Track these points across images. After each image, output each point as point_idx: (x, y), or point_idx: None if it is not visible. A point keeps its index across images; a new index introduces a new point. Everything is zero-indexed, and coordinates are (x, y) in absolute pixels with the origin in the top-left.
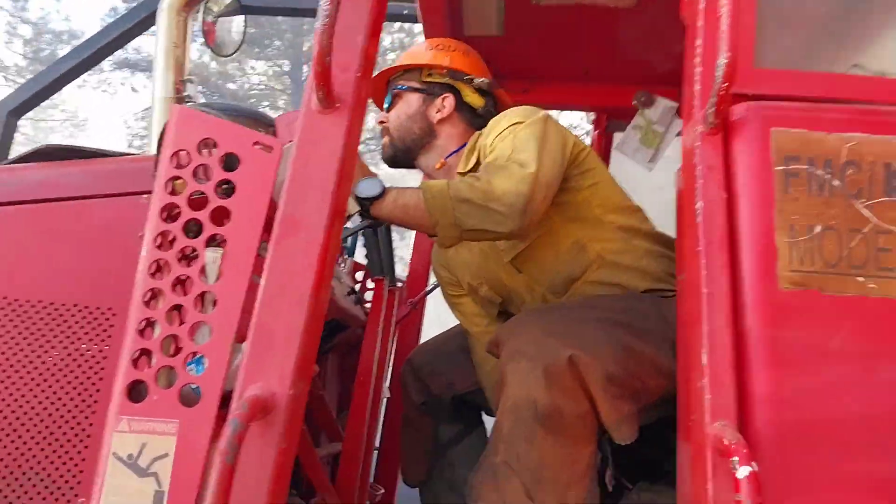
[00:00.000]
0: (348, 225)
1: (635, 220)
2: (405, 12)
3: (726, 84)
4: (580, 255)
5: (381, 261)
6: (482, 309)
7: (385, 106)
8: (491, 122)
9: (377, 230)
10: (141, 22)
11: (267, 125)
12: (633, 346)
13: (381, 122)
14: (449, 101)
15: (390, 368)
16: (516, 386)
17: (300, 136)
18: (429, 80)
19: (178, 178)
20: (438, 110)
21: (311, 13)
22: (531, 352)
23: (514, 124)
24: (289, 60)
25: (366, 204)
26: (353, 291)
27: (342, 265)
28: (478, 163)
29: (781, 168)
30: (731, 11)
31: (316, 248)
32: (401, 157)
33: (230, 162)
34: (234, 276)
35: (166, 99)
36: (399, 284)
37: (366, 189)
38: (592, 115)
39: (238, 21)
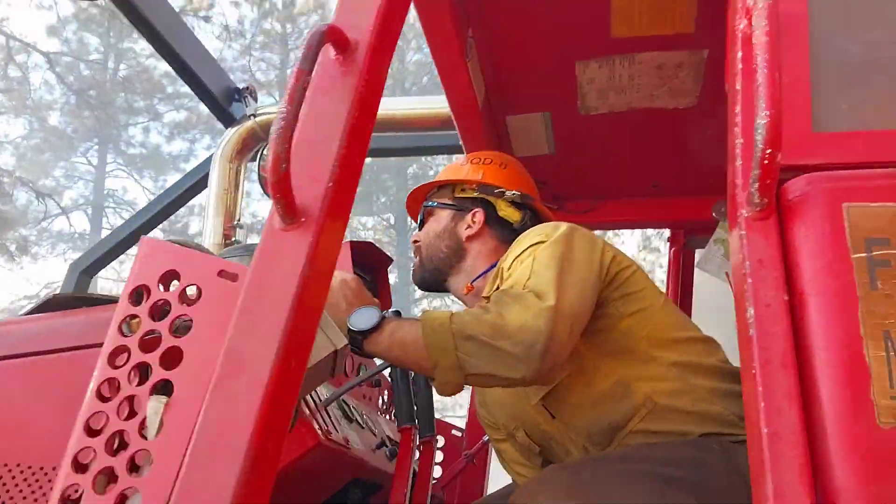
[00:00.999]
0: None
1: (696, 354)
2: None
3: (770, 151)
4: (625, 399)
5: (410, 405)
6: (522, 456)
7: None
8: (514, 242)
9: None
10: (197, 183)
11: None
12: None
13: (415, 242)
14: (479, 216)
15: None
16: None
17: (257, 255)
18: (461, 195)
19: (134, 316)
20: (468, 226)
21: (413, 152)
22: None
23: (534, 244)
24: (393, 214)
25: (358, 338)
26: (384, 444)
27: (381, 413)
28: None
29: (863, 255)
30: (770, 61)
31: (258, 392)
32: (430, 278)
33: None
34: (178, 428)
35: (215, 245)
36: (456, 433)
37: (359, 320)
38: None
39: None
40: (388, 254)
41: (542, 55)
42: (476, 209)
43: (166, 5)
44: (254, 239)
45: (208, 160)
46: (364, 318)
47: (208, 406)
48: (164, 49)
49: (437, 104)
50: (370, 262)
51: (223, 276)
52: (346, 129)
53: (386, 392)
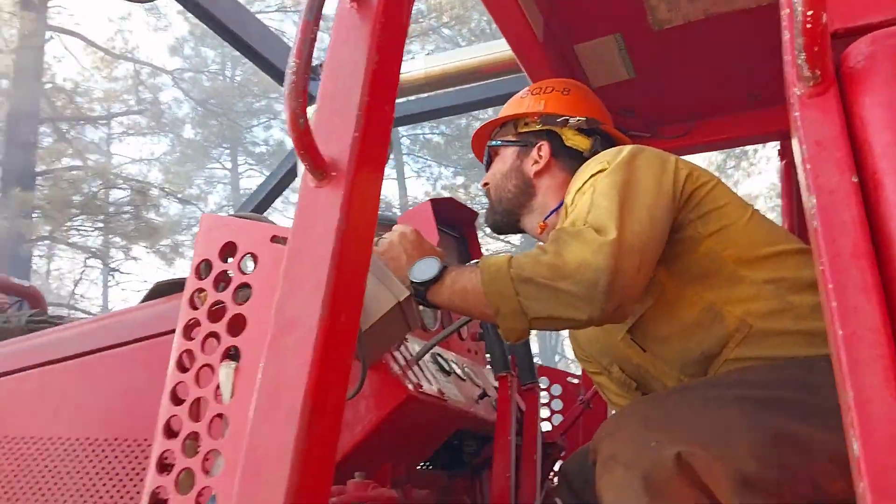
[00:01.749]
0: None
1: (791, 268)
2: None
3: (811, 12)
4: (715, 325)
5: (502, 353)
6: (621, 389)
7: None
8: (576, 174)
9: None
10: (287, 175)
11: (387, 226)
12: (791, 434)
13: (484, 185)
14: (544, 149)
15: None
16: None
17: (295, 216)
18: (524, 129)
19: (201, 289)
20: (535, 161)
21: (491, 102)
22: (627, 455)
23: (594, 174)
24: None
25: (420, 289)
26: (486, 395)
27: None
28: None
29: None
30: None
31: (308, 348)
32: (502, 220)
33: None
34: (247, 392)
35: None
36: (573, 380)
37: (421, 271)
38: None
39: None
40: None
41: None
42: (541, 142)
43: (235, 5)
44: None
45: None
46: (424, 268)
47: (265, 365)
48: (229, 36)
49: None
50: (455, 218)
51: (275, 241)
52: (367, 77)
53: None
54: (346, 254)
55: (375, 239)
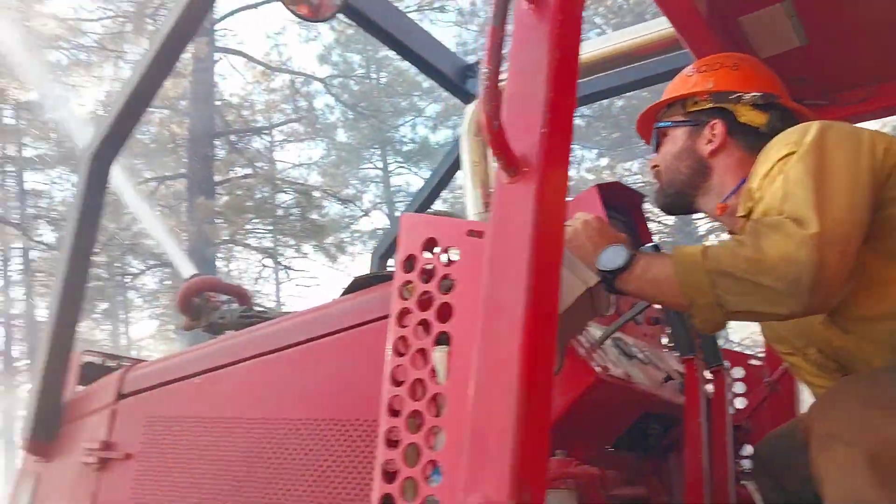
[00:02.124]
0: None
1: None
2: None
3: None
4: None
5: (688, 336)
6: (818, 370)
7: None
8: (760, 154)
9: None
10: (449, 170)
11: None
12: None
13: (653, 167)
14: (718, 127)
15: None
16: (834, 484)
17: (492, 211)
18: (694, 108)
19: (409, 282)
20: (708, 140)
21: (650, 81)
22: (849, 433)
23: (782, 158)
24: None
25: (609, 277)
26: (670, 378)
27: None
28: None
29: None
30: None
31: (517, 333)
32: (674, 202)
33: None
34: (460, 373)
35: (479, 214)
36: (755, 362)
37: (609, 259)
38: None
39: None
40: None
41: None
42: (713, 120)
43: (391, 7)
44: None
45: (457, 142)
46: (612, 256)
47: (480, 349)
48: (394, 44)
49: (663, 25)
50: (622, 201)
51: (472, 235)
52: (549, 76)
53: (668, 328)
54: (542, 243)
55: None
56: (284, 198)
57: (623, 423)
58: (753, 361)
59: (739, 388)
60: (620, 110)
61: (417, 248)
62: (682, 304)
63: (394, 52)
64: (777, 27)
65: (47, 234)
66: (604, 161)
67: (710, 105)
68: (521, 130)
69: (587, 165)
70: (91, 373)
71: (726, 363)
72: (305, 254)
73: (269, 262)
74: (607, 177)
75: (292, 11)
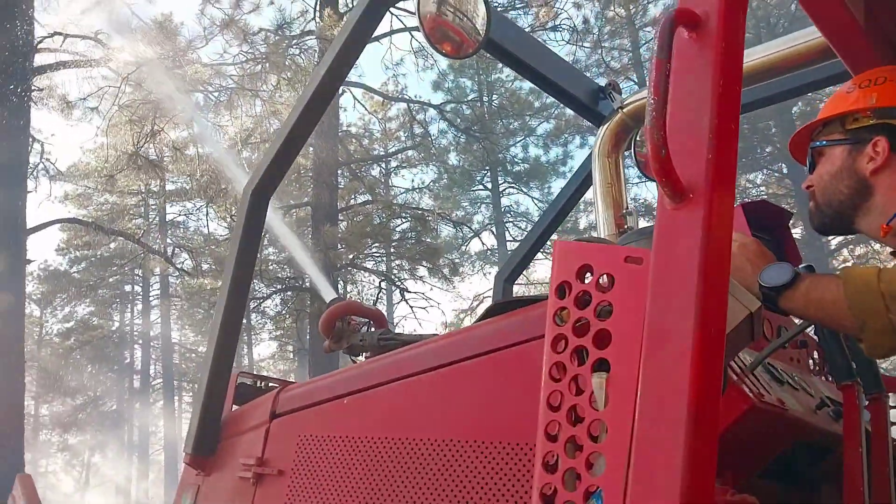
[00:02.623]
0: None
1: None
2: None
3: None
4: None
5: (846, 361)
6: None
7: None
8: None
9: None
10: (582, 184)
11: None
12: None
13: (808, 187)
14: (881, 144)
15: None
16: None
17: (656, 238)
18: (854, 126)
19: (563, 308)
20: (870, 159)
21: (792, 94)
22: None
23: None
24: (784, 163)
25: (772, 295)
26: (824, 404)
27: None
28: None
29: None
30: None
31: (686, 361)
32: (832, 223)
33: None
34: (621, 400)
35: (611, 235)
36: None
37: (772, 277)
38: None
39: None
40: (787, 207)
41: None
42: (876, 138)
43: (527, 38)
44: (642, 222)
45: (588, 159)
46: (776, 274)
47: (644, 378)
48: (531, 74)
49: (810, 36)
50: (768, 220)
51: (629, 262)
52: (713, 102)
53: (815, 352)
54: (709, 269)
55: None
56: (400, 222)
57: (774, 451)
58: None
59: None
60: (742, 119)
61: (571, 274)
62: (850, 327)
63: (506, 75)
64: None
65: (186, 262)
66: None
67: (873, 121)
68: (687, 157)
69: None
70: (245, 393)
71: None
72: (420, 277)
73: (385, 284)
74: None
75: (437, 50)
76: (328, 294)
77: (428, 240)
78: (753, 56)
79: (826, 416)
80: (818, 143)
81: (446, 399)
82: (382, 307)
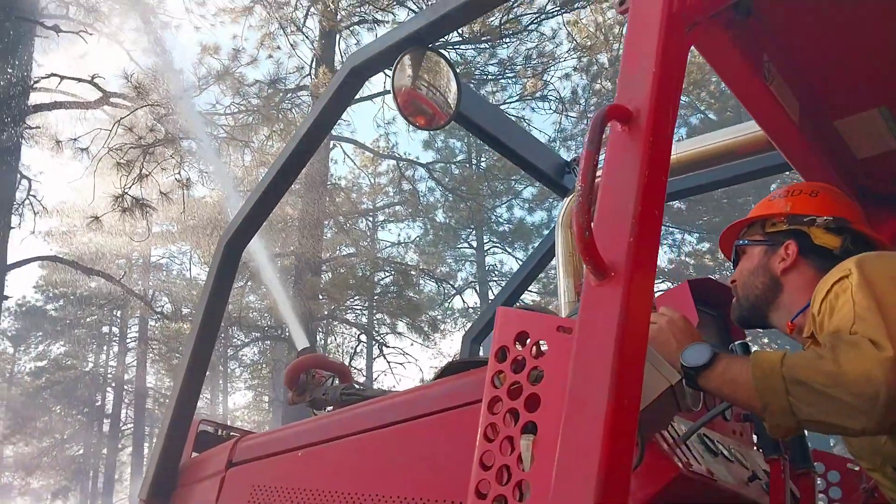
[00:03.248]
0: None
1: None
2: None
3: None
4: None
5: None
6: None
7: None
8: (819, 283)
9: None
10: (547, 252)
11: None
12: None
13: (732, 282)
14: (791, 247)
15: None
16: None
17: (580, 311)
18: (772, 230)
19: (501, 371)
20: (782, 259)
21: (743, 178)
22: None
23: (837, 281)
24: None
25: (691, 374)
26: (756, 477)
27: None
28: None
29: None
30: None
31: (598, 427)
32: (748, 315)
33: (539, 350)
34: (545, 461)
35: (570, 302)
36: (853, 466)
37: (693, 356)
38: None
39: None
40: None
41: (856, 51)
42: (788, 241)
43: (497, 113)
44: None
45: (553, 230)
46: (695, 354)
47: (562, 440)
48: (498, 146)
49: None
50: (713, 297)
51: (561, 331)
52: (639, 191)
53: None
54: (626, 343)
55: None
56: (384, 275)
57: None
58: (851, 465)
59: (835, 493)
60: (722, 194)
61: (510, 340)
62: (756, 407)
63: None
64: (873, 131)
65: (167, 306)
66: (705, 245)
67: (787, 227)
68: (610, 240)
69: (687, 249)
70: (206, 440)
71: (821, 466)
72: (400, 333)
73: (364, 337)
74: (708, 262)
75: (409, 121)
76: (301, 343)
77: (410, 294)
78: (708, 142)
79: (758, 489)
80: (741, 242)
81: (396, 456)
82: (362, 361)
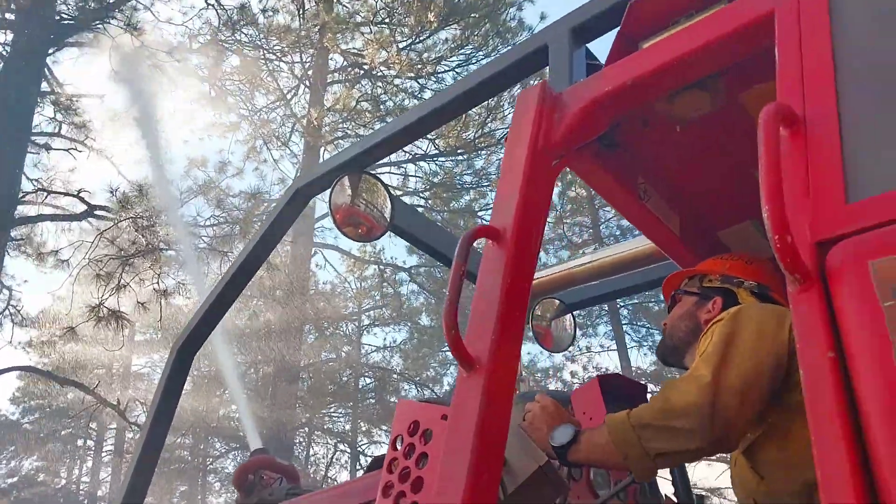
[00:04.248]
0: None
1: None
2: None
3: (777, 236)
4: None
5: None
6: None
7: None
8: None
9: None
10: None
11: (564, 403)
12: None
13: (664, 324)
14: (717, 303)
15: None
16: None
17: (452, 399)
18: (707, 285)
19: (395, 458)
20: (708, 311)
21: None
22: None
23: (715, 322)
24: None
25: (561, 451)
26: None
27: None
28: None
29: (891, 303)
30: (767, 156)
31: (457, 500)
32: (668, 353)
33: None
34: None
35: None
36: None
37: (559, 436)
38: None
39: (569, 319)
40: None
41: (718, 172)
42: (717, 297)
43: (419, 215)
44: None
45: None
46: (562, 433)
47: None
48: (429, 250)
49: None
50: (626, 391)
51: (444, 419)
52: (502, 296)
53: None
54: (487, 426)
55: (524, 414)
56: (366, 381)
57: None
58: None
59: None
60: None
61: (404, 428)
62: (619, 462)
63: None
64: (751, 239)
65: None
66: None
67: (719, 284)
68: (477, 337)
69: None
70: None
71: None
72: (378, 442)
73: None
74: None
75: (346, 235)
76: (254, 444)
77: (392, 400)
78: (612, 253)
79: None
80: (678, 291)
81: None
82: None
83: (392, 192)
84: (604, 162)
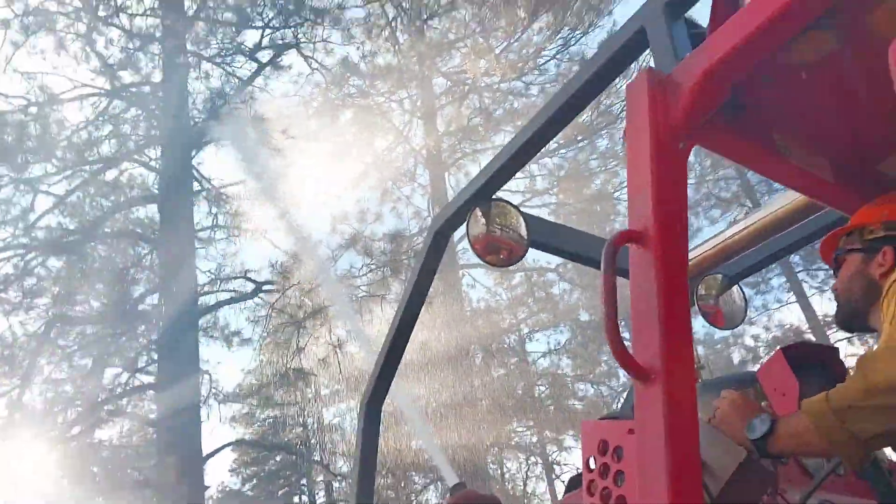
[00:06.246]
0: None
1: None
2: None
3: None
4: None
5: (888, 486)
6: None
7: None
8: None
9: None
10: None
11: (751, 383)
12: None
13: (833, 289)
14: (888, 254)
15: None
16: None
17: (635, 412)
18: (869, 237)
19: (592, 480)
20: (879, 265)
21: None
22: None
23: (891, 284)
24: None
25: (761, 445)
26: None
27: None
28: None
29: None
30: None
31: None
32: (850, 320)
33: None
34: None
35: None
36: None
37: (757, 429)
38: None
39: (736, 291)
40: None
41: (857, 102)
42: (885, 248)
43: (552, 225)
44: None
45: None
46: (758, 426)
47: None
48: (572, 256)
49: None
50: (815, 357)
51: (631, 433)
52: (660, 298)
53: None
54: (675, 435)
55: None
56: (541, 390)
57: None
58: None
59: None
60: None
61: (595, 449)
62: (824, 449)
63: None
64: None
65: (343, 466)
66: None
67: (883, 233)
68: (643, 347)
69: None
70: None
71: None
72: (568, 448)
73: (534, 458)
74: None
75: (488, 263)
76: (450, 479)
77: (571, 403)
78: (765, 213)
79: None
80: (840, 252)
81: None
82: (542, 482)
83: (522, 210)
84: (734, 130)
